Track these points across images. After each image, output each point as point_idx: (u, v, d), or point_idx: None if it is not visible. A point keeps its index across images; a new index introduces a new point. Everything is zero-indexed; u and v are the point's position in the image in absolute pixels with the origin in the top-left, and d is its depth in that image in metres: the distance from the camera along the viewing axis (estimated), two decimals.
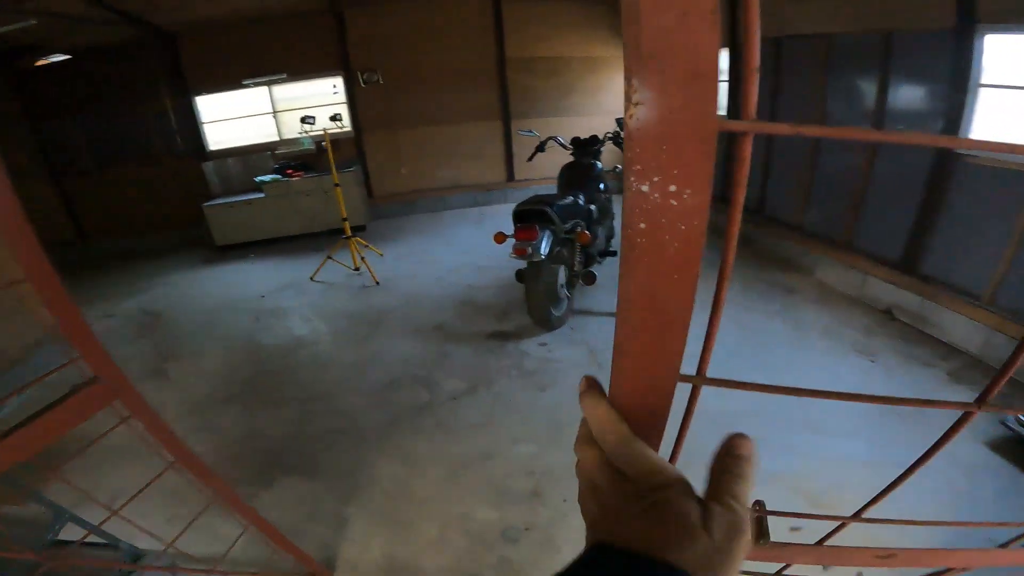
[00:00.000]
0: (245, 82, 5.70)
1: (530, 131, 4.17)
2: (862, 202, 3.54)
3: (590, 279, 3.24)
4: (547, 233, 2.91)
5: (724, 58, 4.59)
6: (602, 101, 6.35)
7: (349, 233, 4.49)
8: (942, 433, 0.41)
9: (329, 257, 4.57)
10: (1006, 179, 2.68)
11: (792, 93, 4.03)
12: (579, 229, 3.19)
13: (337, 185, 4.35)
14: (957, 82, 2.81)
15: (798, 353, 2.97)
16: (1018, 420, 2.22)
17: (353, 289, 4.33)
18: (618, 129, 3.82)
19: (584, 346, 3.15)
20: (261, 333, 3.75)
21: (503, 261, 3.69)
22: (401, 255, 5.03)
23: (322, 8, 5.42)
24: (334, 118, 4.24)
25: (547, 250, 2.87)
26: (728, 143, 0.26)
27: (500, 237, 3.04)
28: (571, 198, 3.32)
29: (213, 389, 3.10)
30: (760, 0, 0.23)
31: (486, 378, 2.94)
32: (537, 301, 3.07)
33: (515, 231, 2.90)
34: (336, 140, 5.56)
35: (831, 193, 3.79)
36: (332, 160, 4.21)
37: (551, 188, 6.25)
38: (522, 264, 3.04)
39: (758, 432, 2.14)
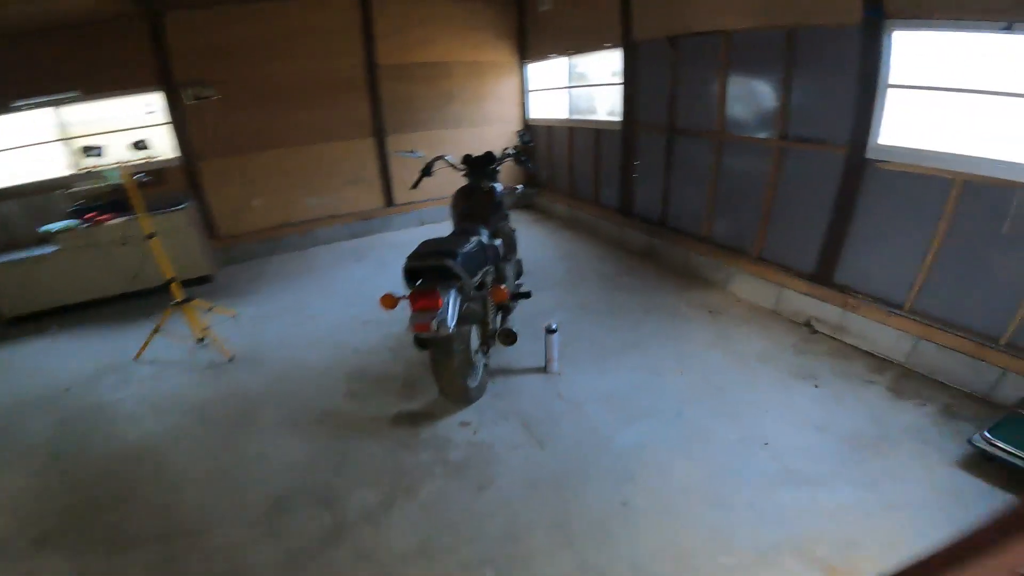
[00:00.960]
0: (16, 104, 4.23)
1: (412, 151, 3.44)
2: (771, 211, 3.42)
3: (510, 339, 2.64)
4: (452, 294, 2.22)
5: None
6: (489, 110, 5.86)
7: (179, 297, 3.39)
8: None
9: (156, 331, 3.42)
10: (921, 184, 2.61)
11: (691, 95, 3.83)
12: (492, 283, 2.58)
13: (151, 236, 3.23)
14: (865, 81, 2.71)
15: (749, 390, 2.68)
16: (983, 438, 2.08)
17: (198, 369, 3.26)
18: (521, 143, 3.28)
19: (515, 418, 2.55)
20: (78, 441, 2.61)
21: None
22: (263, 314, 4.00)
23: (129, 11, 4.18)
24: (139, 145, 3.15)
25: (455, 318, 2.20)
26: None
27: (389, 301, 2.29)
28: (474, 239, 2.66)
29: (17, 527, 2.06)
30: None
31: (404, 483, 2.21)
32: (449, 379, 2.40)
33: (411, 297, 2.17)
34: (158, 171, 4.35)
35: (739, 202, 3.65)
36: (139, 202, 3.10)
37: (439, 211, 5.66)
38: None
39: (742, 495, 1.72)
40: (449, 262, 2.25)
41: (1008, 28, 2.22)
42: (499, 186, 3.34)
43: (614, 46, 4.34)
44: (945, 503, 1.93)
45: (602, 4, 4.34)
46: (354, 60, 5.08)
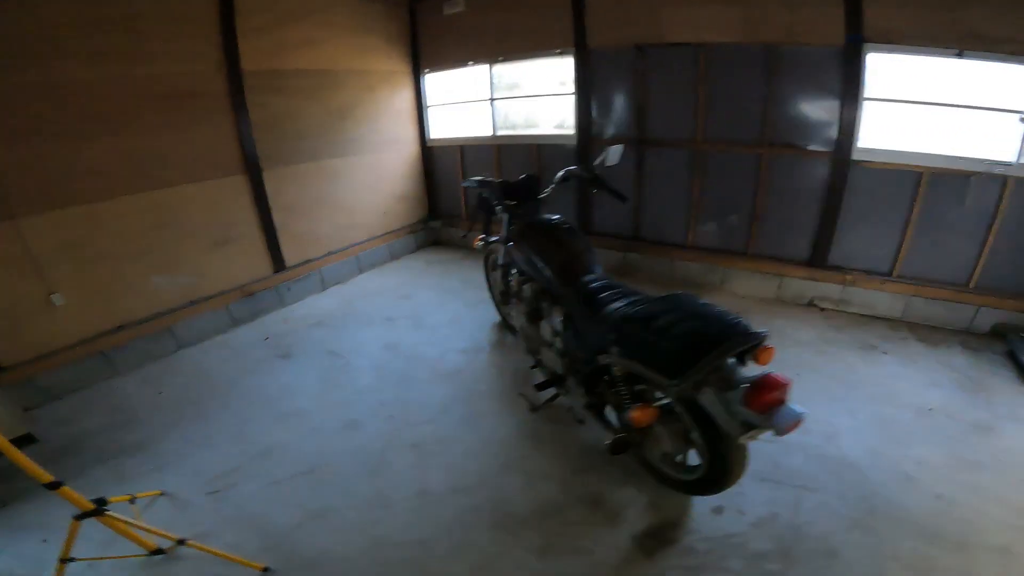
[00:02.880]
0: None
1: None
2: (762, 211, 3.79)
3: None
4: None
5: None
6: (386, 131, 4.80)
7: (84, 503, 1.65)
8: None
9: (63, 565, 1.60)
10: (897, 177, 3.27)
11: (665, 105, 3.92)
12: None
13: None
14: (847, 94, 3.24)
15: (847, 371, 2.90)
16: None
17: None
18: (593, 167, 2.72)
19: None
20: None
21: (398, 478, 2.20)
22: (212, 477, 2.31)
23: None
24: None
25: None
26: None
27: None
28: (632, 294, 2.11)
29: None
30: None
31: None
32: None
33: (764, 385, 1.51)
34: None
35: (727, 207, 3.93)
36: None
37: (344, 265, 4.42)
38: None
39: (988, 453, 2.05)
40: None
41: (959, 55, 2.99)
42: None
43: (563, 52, 4.10)
44: None
45: (546, 7, 4.04)
46: (206, 63, 3.41)
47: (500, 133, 4.75)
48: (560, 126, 4.47)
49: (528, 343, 2.79)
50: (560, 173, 2.80)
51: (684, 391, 1.68)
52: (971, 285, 3.28)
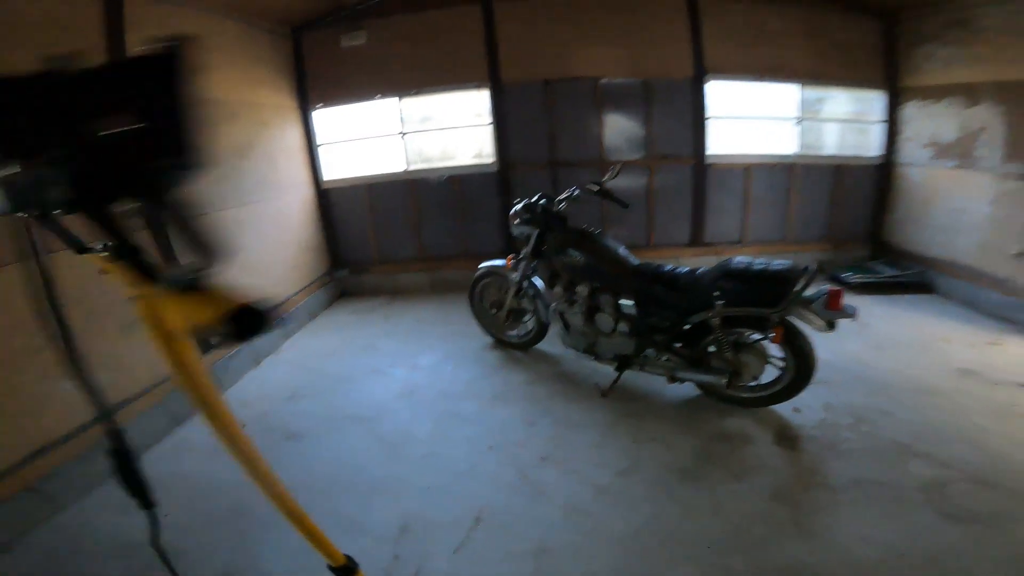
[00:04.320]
0: None
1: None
2: (655, 210, 4.79)
3: None
4: None
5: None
6: (283, 172, 4.14)
7: None
8: None
9: None
10: (733, 172, 4.67)
11: (571, 131, 4.60)
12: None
13: None
14: (697, 114, 4.49)
15: None
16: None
17: None
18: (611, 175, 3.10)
19: None
20: None
21: None
22: None
23: None
24: None
25: None
26: None
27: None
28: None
29: None
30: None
31: None
32: None
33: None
34: None
35: (631, 210, 4.78)
36: None
37: (268, 334, 3.71)
38: None
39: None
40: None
41: (759, 79, 4.52)
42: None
43: (479, 86, 4.38)
44: None
45: (459, 43, 4.26)
46: None
47: (414, 167, 4.67)
48: (479, 155, 4.70)
49: (584, 339, 2.98)
50: (574, 190, 3.09)
51: (786, 312, 2.26)
52: (789, 239, 4.87)
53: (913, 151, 4.42)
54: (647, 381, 2.92)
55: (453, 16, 4.24)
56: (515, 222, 3.18)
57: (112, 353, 2.51)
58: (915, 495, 1.99)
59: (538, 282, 3.28)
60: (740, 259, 2.49)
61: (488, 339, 3.65)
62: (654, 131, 4.60)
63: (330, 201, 4.74)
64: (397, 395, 3.05)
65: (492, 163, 4.61)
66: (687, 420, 2.61)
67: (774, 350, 2.48)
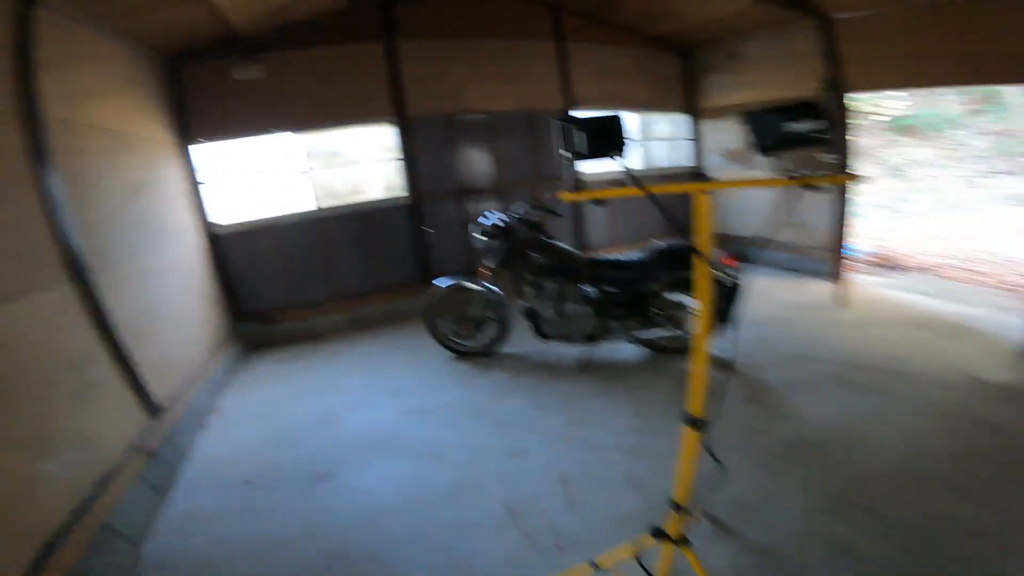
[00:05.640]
0: None
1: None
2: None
3: None
4: None
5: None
6: (179, 216, 3.56)
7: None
8: None
9: None
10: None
11: (473, 161, 4.99)
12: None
13: None
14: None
15: None
16: None
17: None
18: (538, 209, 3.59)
19: None
20: None
21: None
22: None
23: None
24: None
25: None
26: None
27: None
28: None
29: None
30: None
31: None
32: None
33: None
34: None
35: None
36: None
37: (203, 392, 3.54)
38: None
39: None
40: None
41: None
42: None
43: (386, 121, 4.44)
44: None
45: (363, 80, 4.29)
46: None
47: (326, 205, 4.47)
48: (388, 189, 4.72)
49: (557, 327, 3.41)
50: (521, 207, 3.55)
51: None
52: (638, 237, 6.08)
53: (712, 159, 6.04)
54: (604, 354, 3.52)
55: (356, 53, 4.32)
56: (483, 236, 3.48)
57: (78, 423, 2.00)
58: (827, 384, 2.89)
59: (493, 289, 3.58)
60: (660, 243, 3.31)
61: (448, 354, 3.76)
62: (537, 157, 5.31)
63: (226, 247, 4.18)
64: (401, 413, 3.01)
65: (403, 196, 4.72)
66: (654, 370, 3.25)
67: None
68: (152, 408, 2.57)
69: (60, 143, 2.32)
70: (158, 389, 2.66)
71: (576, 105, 5.32)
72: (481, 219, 3.55)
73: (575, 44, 5.22)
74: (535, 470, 2.38)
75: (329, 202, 4.56)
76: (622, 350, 3.54)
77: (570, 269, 3.38)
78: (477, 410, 3.00)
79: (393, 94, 4.49)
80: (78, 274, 2.29)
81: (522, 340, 3.69)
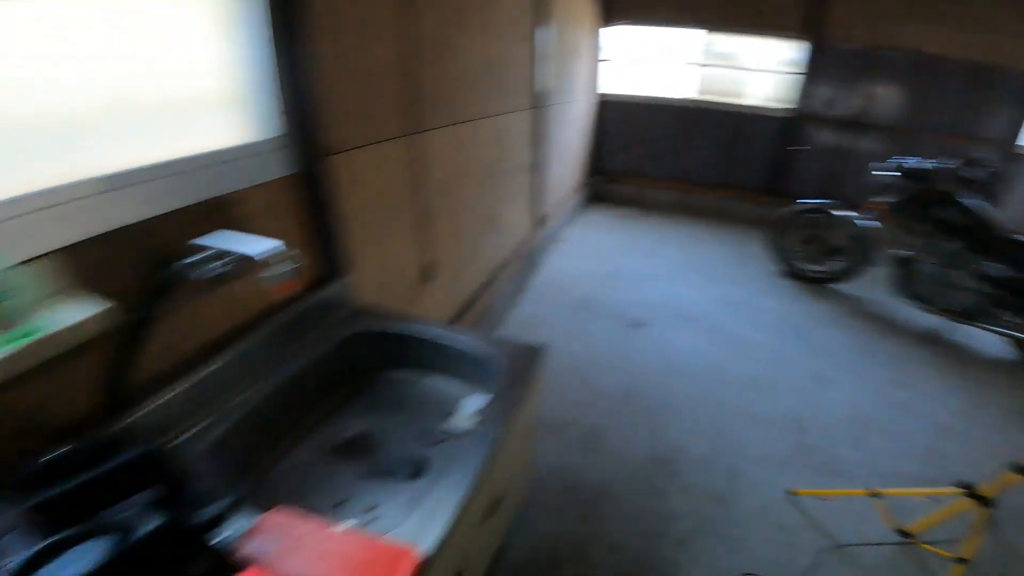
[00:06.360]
0: None
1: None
2: None
3: None
4: None
5: None
6: (583, 75, 4.39)
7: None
8: None
9: None
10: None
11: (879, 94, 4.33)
12: None
13: None
14: None
15: None
16: None
17: None
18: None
19: None
20: None
21: None
22: None
23: None
24: None
25: None
26: None
27: None
28: None
29: None
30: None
31: None
32: None
33: None
34: None
35: None
36: None
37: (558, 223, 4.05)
38: None
39: None
40: None
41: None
42: None
43: (796, 38, 4.26)
44: None
45: None
46: None
47: (702, 97, 4.76)
48: (770, 99, 4.64)
49: (929, 291, 3.08)
50: (956, 163, 3.08)
51: None
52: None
53: None
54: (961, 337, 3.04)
55: None
56: (892, 172, 3.18)
57: (504, 216, 2.96)
58: None
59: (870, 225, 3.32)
60: None
61: (773, 268, 3.82)
62: (975, 113, 4.12)
63: (604, 112, 4.98)
64: (715, 300, 3.32)
65: (784, 109, 4.53)
66: (1015, 374, 2.70)
67: None
68: (538, 219, 3.51)
69: (556, 7, 3.06)
70: (542, 206, 3.59)
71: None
72: (895, 159, 3.21)
73: None
74: (835, 401, 2.41)
75: (706, 96, 4.77)
76: (984, 339, 3.00)
77: (979, 239, 2.91)
78: (793, 326, 3.07)
79: (811, 13, 4.14)
80: (536, 105, 3.15)
81: (865, 287, 3.48)
